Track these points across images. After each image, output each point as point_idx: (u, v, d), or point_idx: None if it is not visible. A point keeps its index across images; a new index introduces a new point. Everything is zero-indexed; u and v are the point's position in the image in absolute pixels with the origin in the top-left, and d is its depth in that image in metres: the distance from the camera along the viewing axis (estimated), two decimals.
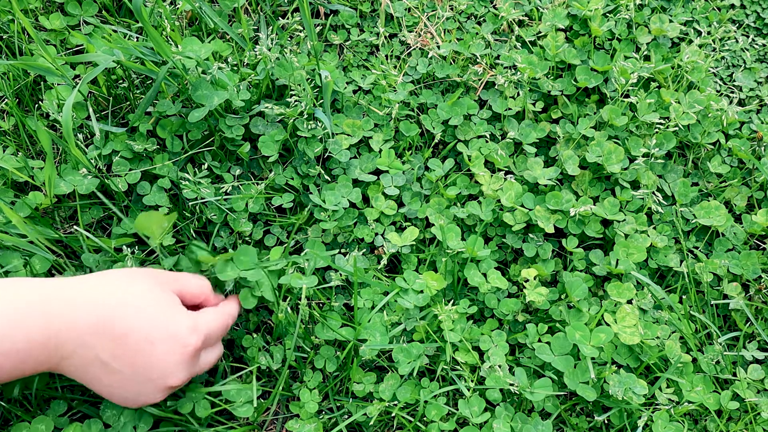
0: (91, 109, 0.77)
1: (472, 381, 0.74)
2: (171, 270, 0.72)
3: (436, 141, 0.89)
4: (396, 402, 0.73)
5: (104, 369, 0.60)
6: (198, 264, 0.73)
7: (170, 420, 0.70)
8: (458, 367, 0.74)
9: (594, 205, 0.84)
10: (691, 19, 1.02)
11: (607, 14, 0.97)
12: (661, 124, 0.89)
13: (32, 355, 0.56)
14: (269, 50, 0.83)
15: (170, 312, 0.62)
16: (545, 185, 0.84)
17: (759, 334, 0.82)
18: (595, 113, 0.90)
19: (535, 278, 0.79)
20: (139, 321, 0.59)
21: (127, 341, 0.59)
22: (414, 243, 0.82)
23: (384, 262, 0.79)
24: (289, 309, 0.73)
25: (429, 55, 0.94)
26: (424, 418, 0.73)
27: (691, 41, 1.00)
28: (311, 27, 0.85)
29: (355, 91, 0.92)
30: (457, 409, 0.73)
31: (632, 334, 0.75)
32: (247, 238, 0.81)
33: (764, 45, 1.03)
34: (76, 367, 0.60)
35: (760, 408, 0.76)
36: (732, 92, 0.99)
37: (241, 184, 0.81)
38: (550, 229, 0.81)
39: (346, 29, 0.97)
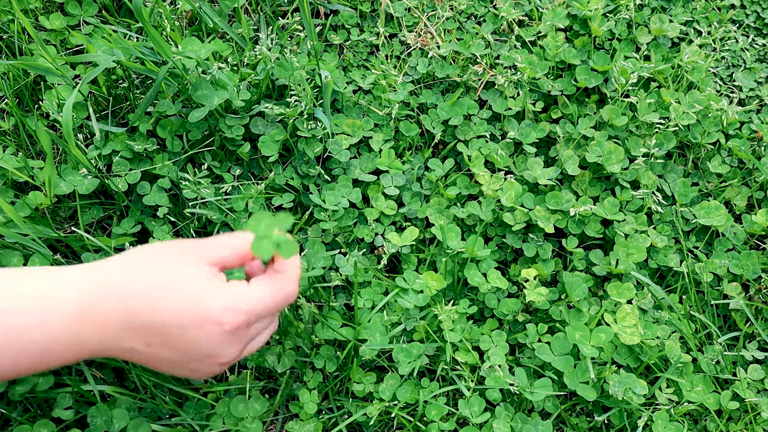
0: (91, 109, 0.77)
1: (472, 381, 0.74)
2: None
3: (436, 141, 0.89)
4: (396, 402, 0.73)
5: (143, 355, 0.56)
6: None
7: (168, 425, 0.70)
8: (458, 367, 0.74)
9: (594, 205, 0.84)
10: (691, 19, 1.02)
11: (607, 14, 0.97)
12: (661, 124, 0.89)
13: (59, 353, 0.53)
14: (269, 50, 0.83)
15: (199, 292, 0.55)
16: (545, 185, 0.84)
17: (759, 334, 0.82)
18: (595, 113, 0.90)
19: (535, 278, 0.79)
20: (167, 308, 0.54)
21: (159, 331, 0.54)
22: (414, 243, 0.82)
23: (384, 262, 0.79)
24: (288, 309, 0.73)
25: (429, 55, 0.94)
26: (424, 418, 0.73)
27: (691, 41, 1.00)
28: (311, 27, 0.85)
29: (355, 91, 0.92)
30: (457, 409, 0.73)
31: (632, 334, 0.75)
32: None
33: (764, 45, 1.03)
34: (118, 353, 0.56)
35: (760, 408, 0.76)
36: (732, 92, 0.99)
37: (241, 184, 0.81)
38: (550, 229, 0.81)
39: (346, 29, 0.97)
